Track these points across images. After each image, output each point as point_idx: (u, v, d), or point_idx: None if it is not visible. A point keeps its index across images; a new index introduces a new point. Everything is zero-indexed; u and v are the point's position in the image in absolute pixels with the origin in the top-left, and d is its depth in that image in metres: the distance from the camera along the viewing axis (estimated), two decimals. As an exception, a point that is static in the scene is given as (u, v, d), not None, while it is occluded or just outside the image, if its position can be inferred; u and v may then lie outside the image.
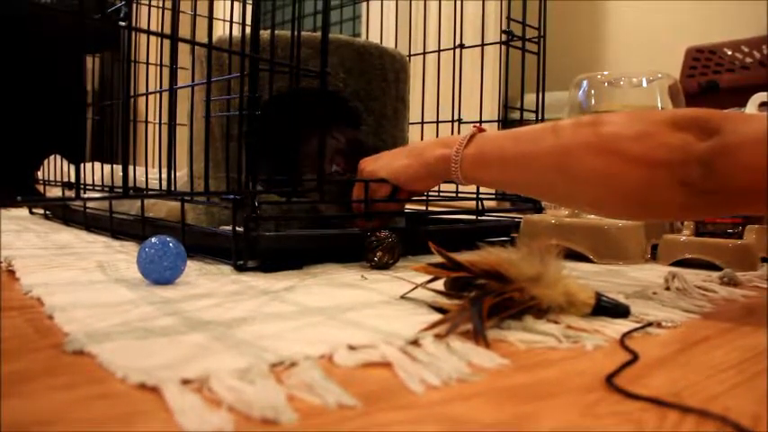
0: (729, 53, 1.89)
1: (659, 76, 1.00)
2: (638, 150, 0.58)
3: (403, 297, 0.59)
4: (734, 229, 0.86)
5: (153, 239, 0.62)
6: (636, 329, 0.49)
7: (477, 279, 0.52)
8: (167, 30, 0.68)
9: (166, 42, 0.78)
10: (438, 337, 0.43)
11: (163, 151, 0.90)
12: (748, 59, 1.86)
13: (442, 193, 1.14)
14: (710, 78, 1.90)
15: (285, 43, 0.82)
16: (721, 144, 0.54)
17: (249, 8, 0.83)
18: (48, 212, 1.44)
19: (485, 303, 0.46)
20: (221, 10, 2.15)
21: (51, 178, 1.34)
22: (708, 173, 0.54)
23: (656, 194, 0.58)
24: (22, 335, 0.44)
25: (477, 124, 0.80)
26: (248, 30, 0.76)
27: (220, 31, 1.14)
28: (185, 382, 0.33)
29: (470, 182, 0.78)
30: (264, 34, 0.80)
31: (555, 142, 0.65)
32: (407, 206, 1.10)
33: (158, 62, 0.99)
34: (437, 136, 1.20)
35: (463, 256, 0.54)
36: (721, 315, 0.57)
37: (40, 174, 1.42)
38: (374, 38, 1.19)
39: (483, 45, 1.20)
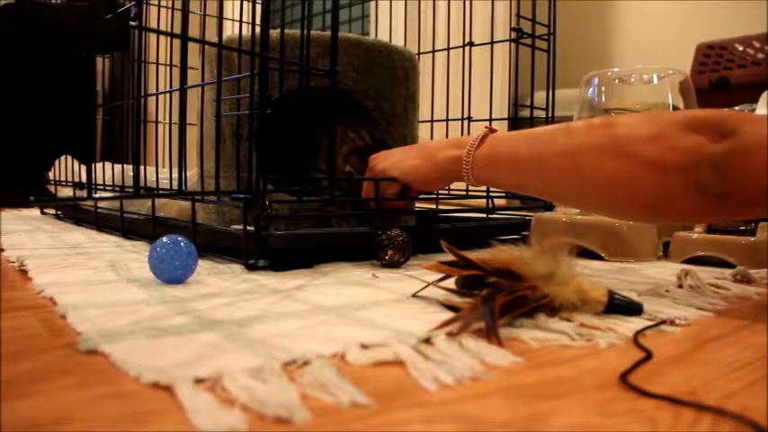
0: (740, 49, 1.88)
1: (670, 72, 0.99)
2: (650, 153, 0.58)
3: (414, 295, 0.59)
4: (747, 226, 0.85)
5: (164, 239, 0.62)
6: (649, 327, 0.48)
7: (489, 277, 0.52)
8: (177, 30, 0.69)
9: (176, 42, 0.78)
10: (450, 335, 0.43)
11: (173, 151, 0.90)
12: (760, 55, 1.84)
13: (452, 192, 1.14)
14: (722, 74, 1.88)
15: (294, 42, 0.82)
16: (735, 146, 0.53)
17: (258, 7, 0.83)
18: (59, 213, 1.44)
19: (497, 301, 0.46)
20: (230, 10, 2.16)
21: (62, 178, 1.35)
22: (721, 176, 0.54)
23: (669, 197, 0.58)
24: (35, 334, 0.44)
25: (489, 124, 0.80)
26: (258, 29, 0.76)
27: (230, 30, 1.14)
28: (198, 381, 0.33)
29: (482, 183, 0.77)
30: (274, 33, 0.80)
31: (567, 144, 0.64)
32: (418, 204, 1.10)
33: (168, 62, 0.99)
34: (447, 134, 1.20)
35: (474, 255, 0.54)
36: (735, 313, 0.57)
37: (51, 174, 1.43)
38: (383, 36, 1.19)
39: (492, 43, 1.20)
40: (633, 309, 0.53)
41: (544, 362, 0.40)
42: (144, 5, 1.16)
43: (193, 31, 0.78)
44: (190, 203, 0.85)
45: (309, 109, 0.86)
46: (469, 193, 1.10)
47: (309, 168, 0.90)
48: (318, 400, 0.32)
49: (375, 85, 0.97)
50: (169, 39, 0.89)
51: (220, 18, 0.84)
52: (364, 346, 0.41)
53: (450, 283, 0.58)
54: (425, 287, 0.59)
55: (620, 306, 0.52)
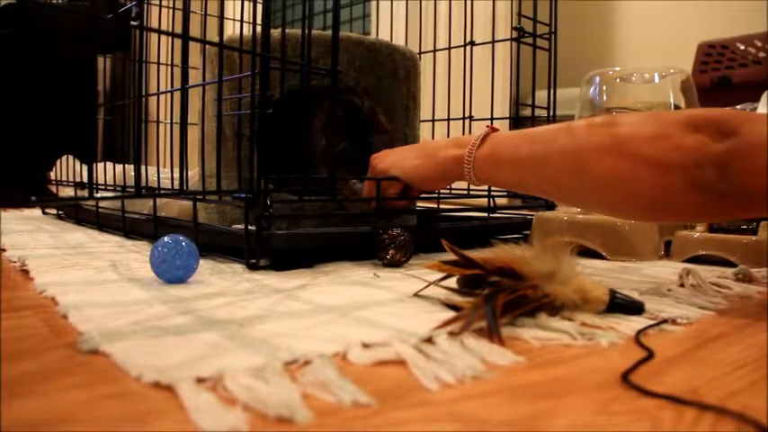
0: (742, 48, 1.87)
1: (672, 71, 0.99)
2: (651, 152, 0.58)
3: (416, 295, 0.59)
4: (748, 225, 0.85)
5: (166, 239, 0.62)
6: (651, 326, 0.48)
7: (491, 276, 0.52)
8: (178, 29, 0.69)
9: (177, 42, 0.78)
10: (452, 334, 0.43)
11: (174, 151, 0.90)
12: (761, 54, 1.84)
13: (453, 191, 1.13)
14: (723, 74, 1.88)
15: (296, 42, 0.82)
16: (737, 145, 0.53)
17: (259, 7, 0.83)
18: (60, 212, 1.44)
19: (498, 301, 0.46)
20: (231, 9, 2.16)
21: (64, 178, 1.35)
22: (723, 175, 0.53)
23: (671, 197, 0.58)
24: (36, 334, 0.44)
25: (490, 124, 0.80)
26: (259, 28, 0.76)
27: (230, 30, 1.14)
28: (200, 380, 0.33)
29: (483, 183, 0.77)
30: (275, 33, 0.80)
31: (569, 143, 0.64)
32: (419, 204, 1.10)
33: (169, 62, 0.99)
34: (448, 133, 1.20)
35: (476, 254, 0.54)
36: (736, 312, 0.57)
37: (52, 174, 1.43)
38: (384, 36, 1.19)
39: (494, 42, 1.20)
40: (635, 308, 0.53)
41: (545, 361, 0.40)
42: (145, 5, 1.16)
43: (194, 30, 0.78)
44: (191, 203, 0.85)
45: (299, 109, 0.86)
46: (471, 193, 1.10)
47: (309, 168, 0.90)
48: (320, 399, 0.32)
49: (376, 85, 0.97)
50: (170, 38, 0.89)
51: (221, 18, 0.84)
52: (366, 346, 0.41)
53: (452, 282, 0.58)
54: (427, 286, 0.59)
55: (621, 305, 0.52)
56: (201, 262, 0.69)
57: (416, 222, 1.01)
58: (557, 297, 0.50)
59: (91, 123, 0.79)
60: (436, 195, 1.12)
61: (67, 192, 1.34)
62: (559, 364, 0.39)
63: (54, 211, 1.51)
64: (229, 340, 0.42)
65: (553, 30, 1.13)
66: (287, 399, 0.31)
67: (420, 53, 1.22)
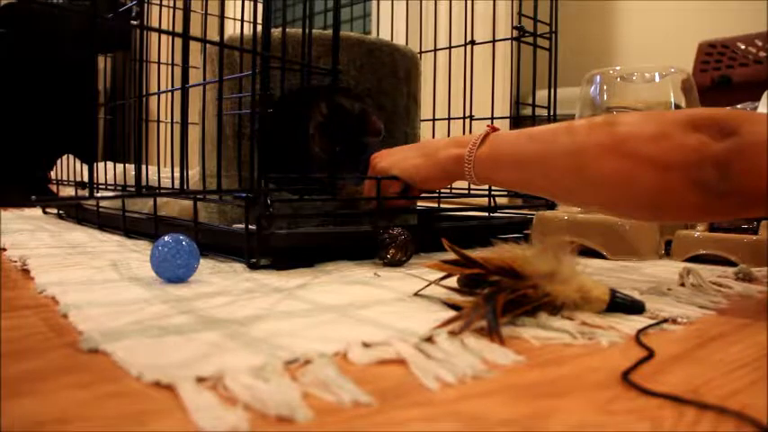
0: (742, 47, 1.87)
1: (672, 70, 0.99)
2: (652, 152, 0.58)
3: (416, 294, 0.59)
4: (749, 225, 0.85)
5: (166, 238, 0.62)
6: (651, 326, 0.48)
7: (491, 276, 0.52)
8: (179, 29, 0.69)
9: (178, 41, 0.78)
10: (452, 333, 0.43)
11: (175, 150, 0.90)
12: (762, 53, 1.84)
13: (454, 190, 1.13)
14: (723, 73, 1.88)
15: (296, 41, 0.82)
16: (738, 145, 0.53)
17: (260, 6, 0.83)
18: (61, 212, 1.45)
19: (499, 300, 0.46)
20: (232, 9, 2.16)
21: (64, 178, 1.35)
22: (723, 174, 0.53)
23: (671, 196, 0.58)
24: (36, 333, 0.44)
25: (490, 123, 0.79)
26: (259, 28, 0.76)
27: (231, 29, 1.14)
28: (200, 380, 0.33)
29: (483, 182, 0.77)
30: (275, 32, 0.80)
31: (569, 143, 0.64)
32: (420, 203, 1.10)
33: (170, 61, 0.99)
34: (449, 133, 1.20)
35: (476, 253, 0.54)
36: (737, 311, 0.57)
37: (53, 174, 1.43)
38: (385, 35, 1.19)
39: (494, 41, 1.20)
40: (635, 307, 0.53)
41: (546, 360, 0.40)
42: (145, 5, 1.16)
43: (195, 30, 0.78)
44: (191, 202, 0.85)
45: (299, 108, 0.86)
46: (471, 192, 1.10)
47: (309, 168, 0.90)
48: (320, 398, 0.32)
49: (377, 84, 0.97)
50: (170, 38, 0.89)
51: (222, 17, 0.84)
52: (366, 345, 0.41)
53: (452, 281, 0.58)
54: (427, 286, 0.59)
55: (622, 304, 0.52)
56: (202, 261, 0.69)
57: (417, 222, 1.01)
58: (557, 296, 0.50)
59: (91, 123, 0.79)
60: (436, 195, 1.12)
61: (68, 191, 1.34)
62: (560, 364, 0.39)
63: (54, 211, 1.51)
64: (230, 340, 0.42)
65: (554, 29, 1.13)
66: (287, 398, 0.31)
67: (420, 53, 1.22)
